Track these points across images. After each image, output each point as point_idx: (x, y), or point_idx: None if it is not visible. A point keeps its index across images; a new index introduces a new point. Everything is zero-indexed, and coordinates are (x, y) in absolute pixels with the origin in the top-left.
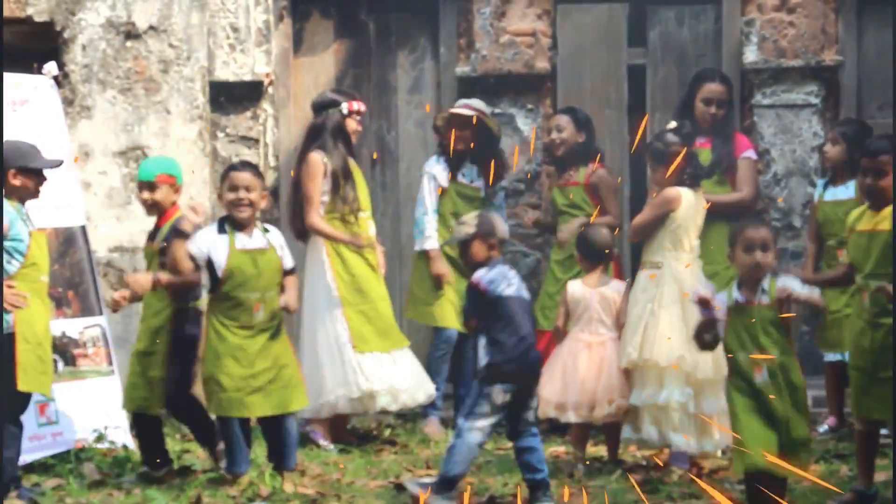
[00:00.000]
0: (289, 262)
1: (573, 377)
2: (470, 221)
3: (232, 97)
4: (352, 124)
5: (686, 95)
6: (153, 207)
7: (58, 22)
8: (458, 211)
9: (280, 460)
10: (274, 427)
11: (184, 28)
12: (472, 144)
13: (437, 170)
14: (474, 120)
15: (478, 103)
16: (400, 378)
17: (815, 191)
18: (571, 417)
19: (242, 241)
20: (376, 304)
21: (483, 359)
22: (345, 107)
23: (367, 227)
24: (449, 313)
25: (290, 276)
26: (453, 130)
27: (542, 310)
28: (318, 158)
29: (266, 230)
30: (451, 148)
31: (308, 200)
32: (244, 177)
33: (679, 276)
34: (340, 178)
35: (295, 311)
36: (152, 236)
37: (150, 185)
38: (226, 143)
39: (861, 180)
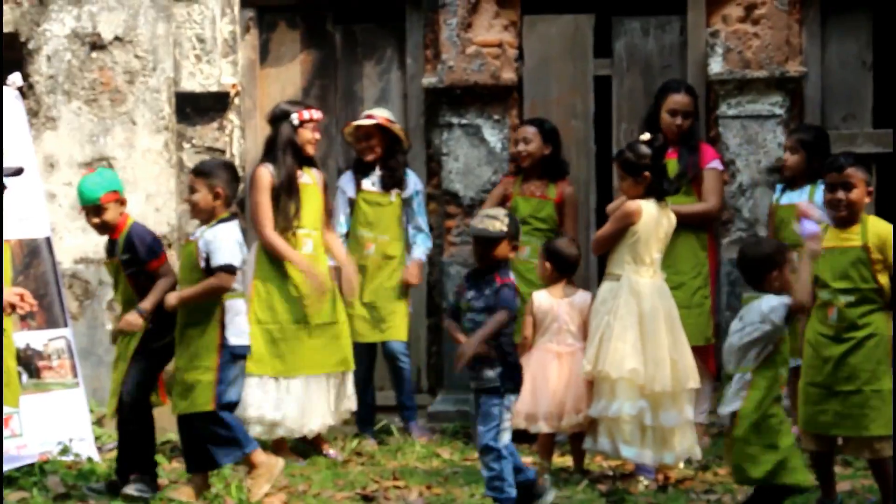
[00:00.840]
0: (202, 262)
1: (543, 388)
2: (501, 218)
3: (198, 108)
4: (305, 134)
5: (652, 107)
6: (105, 228)
7: (22, 33)
8: (369, 220)
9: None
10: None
11: (149, 39)
12: (378, 153)
13: (344, 182)
14: (377, 128)
15: (381, 112)
16: (279, 408)
17: (773, 195)
18: (542, 428)
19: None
20: (283, 325)
21: (496, 369)
22: (294, 117)
23: (303, 244)
24: (357, 326)
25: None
26: (359, 141)
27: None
28: (264, 172)
29: (212, 225)
30: (359, 158)
31: (262, 214)
32: (189, 178)
33: (637, 289)
34: (283, 193)
35: (169, 307)
36: (110, 251)
37: (96, 209)
38: (192, 154)
39: (828, 196)
